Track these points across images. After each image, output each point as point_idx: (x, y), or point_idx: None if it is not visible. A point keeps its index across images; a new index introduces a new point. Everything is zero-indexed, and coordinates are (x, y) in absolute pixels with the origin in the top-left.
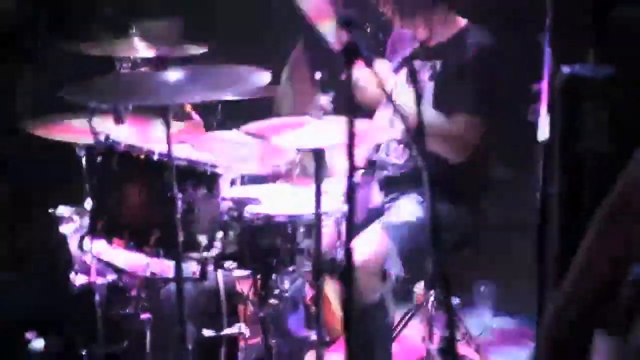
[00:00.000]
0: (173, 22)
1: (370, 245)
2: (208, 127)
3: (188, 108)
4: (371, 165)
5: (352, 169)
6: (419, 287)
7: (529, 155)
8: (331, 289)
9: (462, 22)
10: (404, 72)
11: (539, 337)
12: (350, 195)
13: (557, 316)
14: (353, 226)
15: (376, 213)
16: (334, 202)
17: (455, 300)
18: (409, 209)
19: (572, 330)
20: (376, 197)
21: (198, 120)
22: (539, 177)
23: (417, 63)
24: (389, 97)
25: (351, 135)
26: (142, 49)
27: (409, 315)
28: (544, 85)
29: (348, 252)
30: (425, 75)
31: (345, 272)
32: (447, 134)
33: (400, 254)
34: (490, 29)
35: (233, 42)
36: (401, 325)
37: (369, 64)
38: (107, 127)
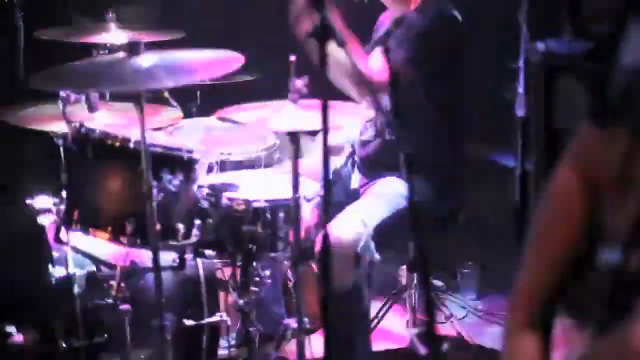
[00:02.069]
0: (149, 7)
1: (341, 230)
2: (186, 114)
3: (166, 94)
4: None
5: (327, 152)
6: (402, 271)
7: (507, 133)
8: (313, 275)
9: None
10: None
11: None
12: (326, 178)
13: (514, 295)
14: (330, 210)
15: (354, 196)
16: (313, 185)
17: (439, 283)
18: (383, 191)
19: (532, 309)
20: (354, 180)
21: (176, 107)
22: (517, 154)
23: (390, 41)
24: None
25: (325, 118)
26: (118, 35)
27: (391, 300)
28: (521, 63)
29: (325, 236)
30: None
31: (322, 256)
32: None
33: (375, 238)
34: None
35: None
36: (383, 311)
37: (341, 43)
38: (81, 116)
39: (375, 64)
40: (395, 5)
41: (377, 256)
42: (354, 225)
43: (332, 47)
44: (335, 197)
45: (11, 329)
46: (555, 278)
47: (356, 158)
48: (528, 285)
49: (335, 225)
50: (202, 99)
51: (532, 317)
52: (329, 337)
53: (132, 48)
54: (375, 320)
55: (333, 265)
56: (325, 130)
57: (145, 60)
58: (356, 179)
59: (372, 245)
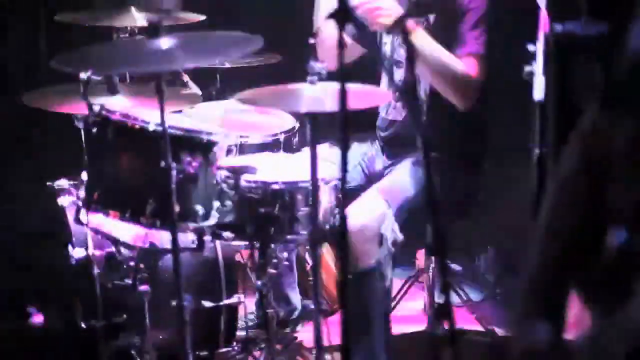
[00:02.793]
0: None
1: (365, 210)
2: (206, 97)
3: (185, 77)
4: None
5: (346, 135)
6: (421, 254)
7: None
8: (330, 257)
9: None
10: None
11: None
12: (344, 161)
13: (530, 276)
14: (347, 192)
15: (377, 178)
16: (332, 168)
17: (457, 267)
18: (407, 171)
19: (545, 292)
20: (378, 161)
21: (196, 90)
22: (535, 137)
23: (409, 22)
24: (383, 58)
25: (343, 101)
26: (139, 19)
27: (410, 282)
28: (539, 45)
29: (343, 219)
30: None
31: (340, 238)
32: (458, 71)
33: (398, 218)
34: None
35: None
36: (402, 293)
37: (361, 26)
38: (101, 98)
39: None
40: None
41: (400, 236)
42: (377, 204)
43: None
44: (358, 180)
45: (31, 309)
46: (566, 262)
47: (379, 140)
48: (539, 269)
49: (359, 205)
50: (222, 83)
51: (544, 302)
52: (347, 317)
53: (152, 30)
54: (393, 303)
55: (356, 244)
56: (342, 113)
57: (165, 42)
58: (380, 161)
59: (396, 225)
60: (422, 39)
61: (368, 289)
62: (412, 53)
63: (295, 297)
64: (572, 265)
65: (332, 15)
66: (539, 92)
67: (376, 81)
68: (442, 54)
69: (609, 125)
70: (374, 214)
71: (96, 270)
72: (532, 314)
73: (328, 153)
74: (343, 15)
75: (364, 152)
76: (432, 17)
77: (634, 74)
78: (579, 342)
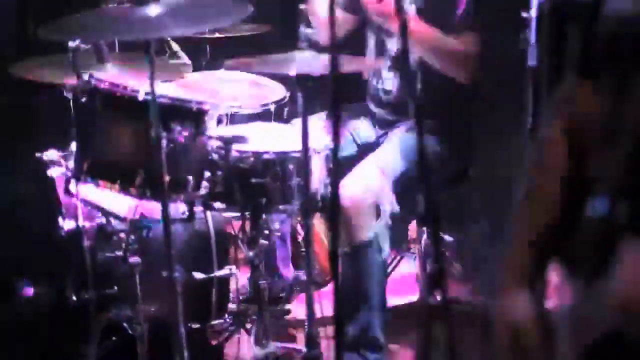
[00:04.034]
0: None
1: (361, 181)
2: (196, 68)
3: (175, 47)
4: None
5: (336, 101)
6: (413, 225)
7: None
8: (323, 228)
9: None
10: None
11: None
12: (335, 129)
13: (511, 244)
14: (340, 162)
15: (369, 148)
16: (323, 138)
17: (449, 238)
18: (401, 141)
19: (525, 260)
20: (369, 132)
21: (186, 60)
22: (528, 103)
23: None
24: (375, 26)
25: (334, 68)
26: None
27: (401, 253)
28: (534, 12)
29: (335, 189)
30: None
31: (332, 209)
32: (457, 50)
33: (394, 189)
34: None
35: None
36: (394, 263)
37: None
38: (90, 67)
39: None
40: None
41: (397, 208)
42: (373, 176)
43: None
44: (350, 150)
45: (21, 281)
46: (546, 232)
47: (370, 110)
48: (520, 240)
49: (354, 177)
50: (212, 53)
51: (524, 272)
52: (339, 289)
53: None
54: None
55: (352, 217)
56: (333, 82)
57: (153, 9)
58: (372, 131)
59: (393, 196)
60: (418, 27)
61: (365, 261)
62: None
63: (288, 268)
64: (552, 233)
65: None
66: (532, 58)
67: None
68: (440, 38)
69: (586, 93)
70: (369, 186)
71: (86, 242)
72: (512, 283)
73: (320, 124)
74: None
75: (355, 123)
76: None
77: (611, 41)
78: (559, 312)
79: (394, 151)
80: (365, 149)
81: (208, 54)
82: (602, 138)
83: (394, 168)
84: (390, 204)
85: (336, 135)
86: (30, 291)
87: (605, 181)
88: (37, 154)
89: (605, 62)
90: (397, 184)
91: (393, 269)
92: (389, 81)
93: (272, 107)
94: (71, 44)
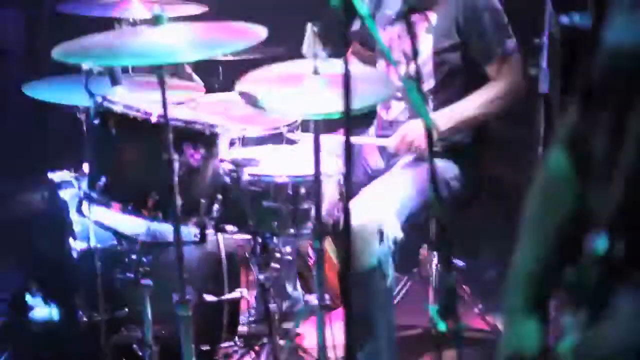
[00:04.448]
0: None
1: (366, 207)
2: (208, 89)
3: (188, 69)
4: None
5: (349, 129)
6: (423, 249)
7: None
8: (333, 252)
9: None
10: (398, 27)
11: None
12: (348, 153)
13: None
14: (351, 186)
15: (377, 174)
16: (335, 162)
17: (460, 263)
18: (408, 169)
19: (529, 293)
20: (378, 160)
21: (198, 82)
22: (540, 130)
23: (413, 16)
24: (384, 53)
25: (347, 93)
26: (140, 9)
27: (411, 279)
28: (545, 38)
29: (346, 213)
30: (421, 29)
31: (343, 234)
32: (495, 101)
33: (401, 216)
34: None
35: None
36: (404, 289)
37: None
38: (103, 89)
39: None
40: None
41: (400, 234)
42: (378, 202)
43: None
44: (359, 176)
45: (33, 301)
46: (549, 261)
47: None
48: (524, 268)
49: (359, 202)
50: (224, 74)
51: (529, 300)
52: (349, 314)
53: (155, 21)
54: (396, 300)
55: (357, 243)
56: (347, 106)
57: (168, 33)
58: (379, 159)
59: (397, 223)
60: (448, 117)
61: (370, 287)
62: (415, 46)
63: (297, 291)
64: (553, 266)
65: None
66: (544, 84)
67: None
68: (471, 109)
69: (587, 124)
70: (374, 212)
71: (98, 263)
72: (517, 310)
73: (332, 145)
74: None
75: (365, 151)
76: (433, 18)
77: (607, 73)
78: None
79: (400, 179)
80: (374, 176)
81: (220, 75)
82: (600, 173)
83: (400, 195)
84: (394, 230)
85: (348, 162)
86: (42, 311)
87: (602, 216)
88: (50, 175)
89: (602, 93)
90: (402, 211)
91: (403, 295)
92: (398, 112)
93: (284, 130)
94: (85, 66)
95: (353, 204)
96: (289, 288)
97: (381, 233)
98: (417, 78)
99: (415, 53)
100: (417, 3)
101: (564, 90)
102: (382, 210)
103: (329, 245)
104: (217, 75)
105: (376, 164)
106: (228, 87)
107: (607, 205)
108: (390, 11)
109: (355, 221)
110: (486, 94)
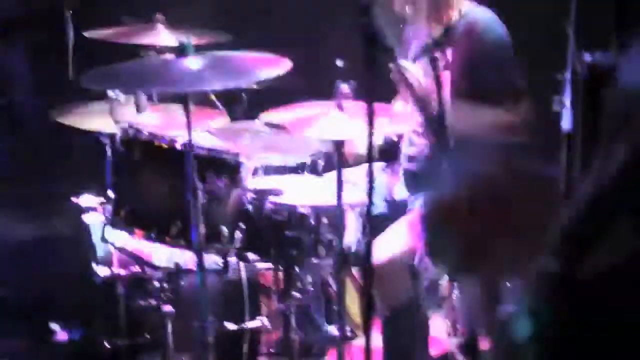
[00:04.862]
0: (198, 9)
1: (396, 242)
2: (233, 117)
3: (212, 96)
4: (392, 154)
5: (372, 157)
6: (444, 280)
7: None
8: (354, 282)
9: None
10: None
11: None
12: (370, 184)
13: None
14: (373, 217)
15: (402, 207)
16: (358, 192)
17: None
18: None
19: None
20: (401, 191)
21: (222, 110)
22: (562, 167)
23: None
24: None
25: (371, 123)
26: (166, 37)
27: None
28: (568, 74)
29: (368, 245)
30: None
31: (366, 265)
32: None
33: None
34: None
35: (258, 30)
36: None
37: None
38: (129, 116)
39: None
40: (432, 24)
41: (432, 268)
42: (406, 238)
43: None
44: (382, 208)
45: (55, 326)
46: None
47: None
48: None
49: (388, 238)
50: (249, 101)
51: None
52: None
53: (180, 50)
54: None
55: (387, 279)
56: (370, 137)
57: (193, 62)
58: (403, 191)
59: (428, 259)
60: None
61: (405, 324)
62: (439, 80)
63: (320, 321)
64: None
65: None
66: (567, 121)
67: None
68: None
69: (605, 166)
70: (403, 248)
71: (120, 289)
72: None
73: (356, 176)
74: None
75: (387, 181)
76: (449, 52)
77: (624, 113)
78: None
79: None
80: (397, 208)
81: (245, 103)
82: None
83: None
84: (425, 266)
85: (370, 194)
86: (64, 336)
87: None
88: (74, 199)
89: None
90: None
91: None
92: (420, 147)
93: (308, 160)
94: (111, 93)
95: (381, 239)
96: (313, 318)
97: (413, 269)
98: (441, 113)
99: (439, 88)
100: (441, 39)
101: (588, 128)
102: (412, 245)
103: (350, 277)
104: (241, 102)
105: (398, 196)
106: (252, 114)
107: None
108: (414, 47)
109: (385, 256)
110: (499, 117)
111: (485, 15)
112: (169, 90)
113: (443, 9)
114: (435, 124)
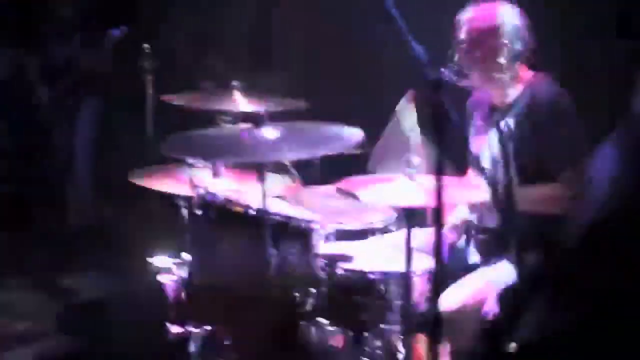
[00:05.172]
0: (276, 77)
1: (466, 288)
2: (306, 182)
3: (287, 162)
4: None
5: (440, 226)
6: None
7: None
8: (424, 347)
9: (529, 74)
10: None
11: None
12: (438, 251)
13: None
14: (441, 282)
15: (469, 270)
16: (425, 259)
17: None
18: (504, 268)
19: None
20: (473, 256)
21: (296, 175)
22: None
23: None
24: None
25: (439, 193)
26: (242, 104)
27: None
28: None
29: (435, 309)
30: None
31: (433, 328)
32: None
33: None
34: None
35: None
36: None
37: (458, 127)
38: (205, 181)
39: None
40: (494, 90)
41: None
42: (479, 287)
43: None
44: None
45: None
46: None
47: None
48: None
49: (461, 284)
50: (322, 166)
51: None
52: None
53: (256, 120)
54: None
55: (457, 328)
56: (438, 207)
57: (269, 132)
58: (474, 255)
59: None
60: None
61: None
62: (507, 153)
63: None
64: None
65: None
66: None
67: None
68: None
69: None
70: (475, 295)
71: (193, 348)
72: None
73: (423, 240)
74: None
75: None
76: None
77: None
78: None
79: (499, 273)
80: (466, 271)
81: (318, 169)
82: None
83: (499, 287)
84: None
85: (438, 259)
86: None
87: None
88: (149, 259)
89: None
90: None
91: None
92: (489, 218)
93: (379, 225)
94: (189, 159)
95: (453, 287)
96: None
97: (484, 317)
98: (509, 182)
99: (507, 160)
100: (506, 111)
101: None
102: (484, 295)
103: (420, 342)
104: (315, 168)
105: (467, 259)
106: (325, 180)
107: None
108: (480, 120)
109: (455, 301)
110: (552, 191)
111: (549, 89)
112: (245, 160)
113: (507, 82)
114: (502, 196)
